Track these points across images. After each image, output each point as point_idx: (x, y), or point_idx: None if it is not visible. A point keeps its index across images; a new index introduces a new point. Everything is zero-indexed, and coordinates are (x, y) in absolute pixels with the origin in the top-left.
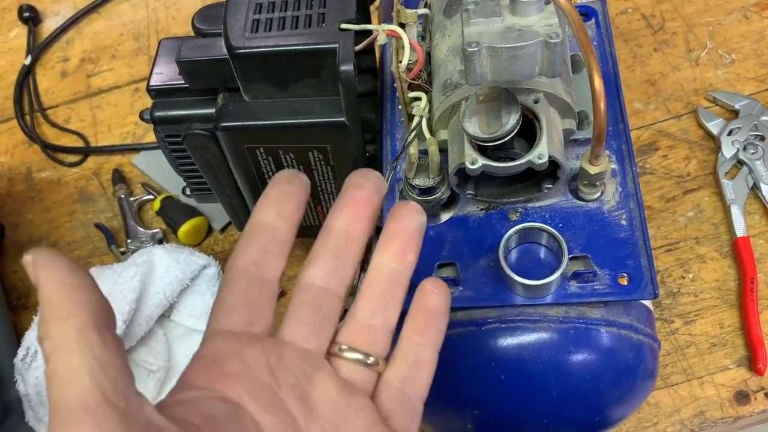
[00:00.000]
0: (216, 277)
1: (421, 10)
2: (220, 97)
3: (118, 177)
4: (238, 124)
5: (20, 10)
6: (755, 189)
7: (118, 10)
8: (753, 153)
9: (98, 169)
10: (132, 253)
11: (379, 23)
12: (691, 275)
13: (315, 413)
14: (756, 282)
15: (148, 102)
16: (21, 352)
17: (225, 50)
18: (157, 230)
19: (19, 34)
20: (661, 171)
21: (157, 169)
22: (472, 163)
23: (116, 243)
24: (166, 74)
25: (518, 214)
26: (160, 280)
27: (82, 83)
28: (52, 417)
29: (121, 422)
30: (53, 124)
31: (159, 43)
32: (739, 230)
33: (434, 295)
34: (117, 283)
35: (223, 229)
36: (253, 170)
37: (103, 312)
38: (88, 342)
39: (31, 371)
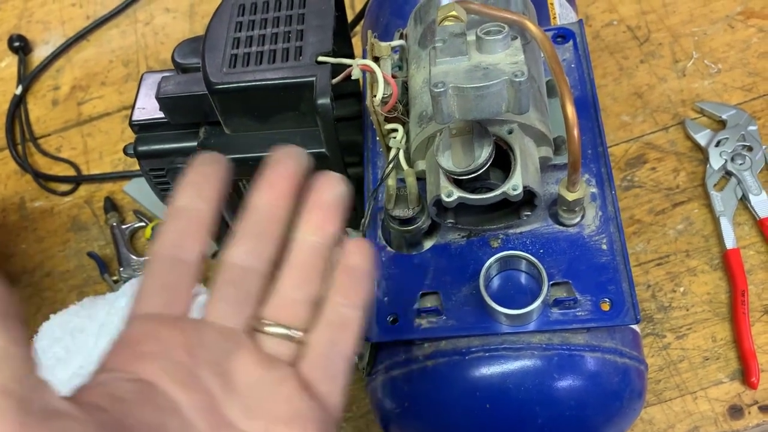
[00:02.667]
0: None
1: (396, 42)
2: (201, 131)
3: (110, 205)
4: None
5: (10, 40)
6: (744, 200)
7: (107, 37)
8: (741, 164)
9: (90, 197)
10: (125, 281)
11: (363, 46)
12: (682, 289)
13: (234, 388)
14: (747, 294)
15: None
16: None
17: (204, 86)
18: (139, 258)
19: (9, 63)
20: (649, 184)
21: (148, 196)
22: (448, 196)
23: (109, 271)
24: (148, 108)
25: (499, 241)
26: None
27: (73, 111)
28: None
29: (19, 410)
30: (45, 153)
31: (141, 76)
32: (729, 242)
33: (355, 254)
34: (110, 314)
35: (213, 255)
36: (237, 201)
37: (6, 300)
38: None
39: None
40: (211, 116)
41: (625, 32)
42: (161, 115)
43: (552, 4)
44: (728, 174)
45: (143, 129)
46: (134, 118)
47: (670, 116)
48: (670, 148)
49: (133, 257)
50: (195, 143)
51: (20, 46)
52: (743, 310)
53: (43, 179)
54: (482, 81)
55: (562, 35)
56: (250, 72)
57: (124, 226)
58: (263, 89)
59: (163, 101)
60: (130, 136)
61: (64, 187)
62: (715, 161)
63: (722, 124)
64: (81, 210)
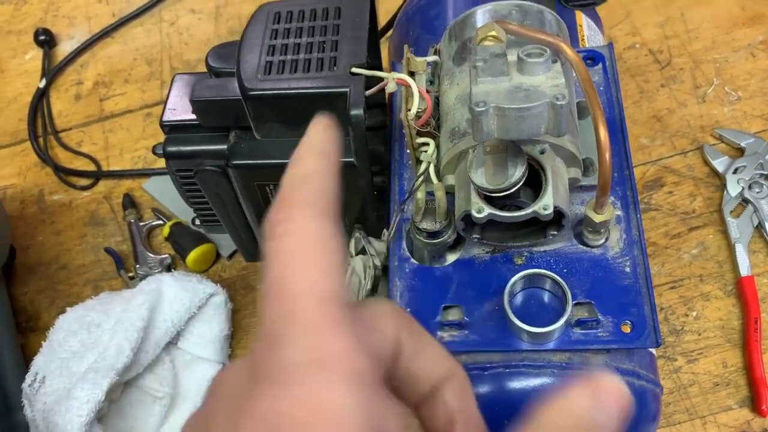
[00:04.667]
0: (223, 305)
1: (431, 58)
2: (231, 135)
3: (129, 202)
4: (250, 162)
5: (36, 34)
6: (760, 228)
7: (132, 35)
8: (758, 192)
9: (109, 192)
10: (141, 278)
11: (389, 59)
12: (694, 313)
13: None
14: (760, 322)
15: (156, 126)
16: (29, 378)
17: (238, 91)
18: (166, 256)
19: (34, 56)
20: (666, 207)
21: (167, 195)
22: (478, 212)
23: (125, 268)
24: (179, 110)
25: (523, 258)
26: (168, 307)
27: (95, 107)
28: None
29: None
30: (66, 147)
31: (173, 78)
32: (744, 269)
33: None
34: (126, 310)
35: (230, 256)
36: (263, 205)
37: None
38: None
39: (39, 396)
40: (242, 120)
41: (647, 56)
42: (192, 116)
43: (581, 26)
44: (745, 201)
45: (173, 130)
46: (165, 118)
47: (689, 141)
48: (688, 172)
49: (150, 255)
50: (224, 146)
51: (45, 39)
52: (756, 337)
53: (63, 173)
54: (524, 102)
55: (592, 57)
56: (285, 80)
57: (141, 224)
58: (297, 97)
59: (197, 104)
60: (151, 134)
61: (84, 181)
62: (733, 188)
63: (740, 151)
64: (99, 205)
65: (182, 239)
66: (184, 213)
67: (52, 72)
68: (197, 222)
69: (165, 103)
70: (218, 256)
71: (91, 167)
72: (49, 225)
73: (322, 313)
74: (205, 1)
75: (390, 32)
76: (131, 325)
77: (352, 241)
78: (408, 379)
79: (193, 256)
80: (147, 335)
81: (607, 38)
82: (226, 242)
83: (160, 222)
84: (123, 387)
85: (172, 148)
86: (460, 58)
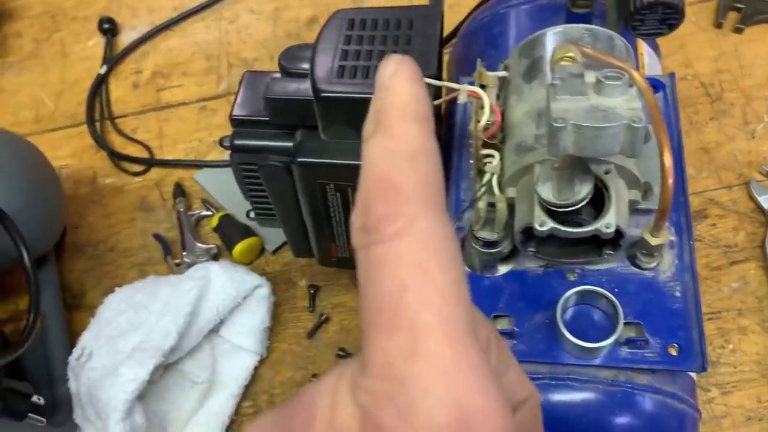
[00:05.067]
0: (267, 298)
1: (500, 73)
2: (298, 134)
3: (179, 191)
4: (315, 160)
5: (100, 22)
6: None
7: (193, 29)
8: None
9: (160, 180)
10: (187, 266)
11: (449, 71)
12: (731, 346)
13: None
14: None
15: (215, 120)
16: (76, 352)
17: (310, 91)
18: (213, 246)
19: (96, 43)
20: (708, 239)
21: (217, 187)
22: (541, 225)
23: (172, 254)
24: (248, 106)
25: (575, 275)
26: (215, 296)
27: (152, 96)
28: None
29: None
30: (121, 133)
31: (244, 74)
32: None
33: None
34: (174, 295)
35: (275, 251)
36: (320, 203)
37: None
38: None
39: (85, 371)
40: (309, 120)
41: (698, 88)
42: (259, 113)
43: (642, 54)
44: None
45: (241, 124)
46: (235, 113)
47: (735, 176)
48: (732, 206)
49: (198, 244)
50: (290, 144)
51: (109, 28)
52: None
53: (117, 158)
54: (602, 122)
55: (654, 85)
56: (358, 84)
57: (190, 213)
58: (367, 102)
59: (270, 101)
60: (205, 127)
61: (137, 167)
62: None
63: None
64: (150, 192)
65: (230, 231)
66: (233, 205)
67: (113, 60)
68: (252, 215)
69: (235, 98)
70: (263, 250)
71: (145, 154)
72: (100, 207)
73: (457, 354)
74: (265, 2)
75: (450, 45)
76: (179, 310)
77: None
78: None
79: (239, 248)
80: (192, 321)
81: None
82: (271, 237)
83: (209, 213)
84: (163, 370)
85: (239, 142)
86: (529, 76)
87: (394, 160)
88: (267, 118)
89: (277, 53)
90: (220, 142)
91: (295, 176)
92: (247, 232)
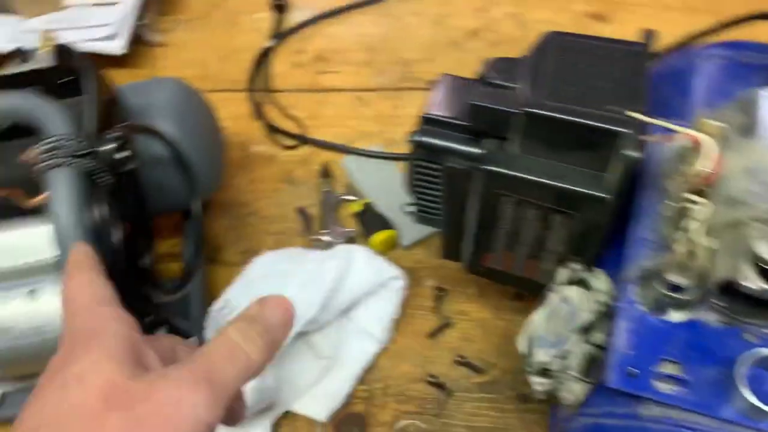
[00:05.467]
0: (401, 290)
1: (721, 125)
2: (487, 142)
3: (326, 171)
4: (503, 171)
5: None
6: None
7: (358, 21)
8: None
9: (308, 158)
10: (325, 245)
11: None
12: None
13: None
14: None
15: (367, 111)
16: (219, 303)
17: (516, 104)
18: (351, 230)
19: (264, 18)
20: None
21: (363, 175)
22: (749, 282)
23: (311, 230)
24: (441, 106)
25: (755, 337)
26: (356, 277)
27: (311, 77)
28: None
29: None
30: (277, 107)
31: (441, 76)
32: None
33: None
34: (319, 269)
35: (408, 247)
36: (491, 212)
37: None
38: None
39: (226, 323)
40: (502, 131)
41: None
42: (449, 115)
43: None
44: None
45: (431, 123)
46: (429, 111)
47: None
48: None
49: (337, 226)
50: (476, 150)
51: (280, 5)
52: None
53: (271, 129)
54: None
55: None
56: (567, 108)
57: (334, 194)
58: (574, 126)
59: (475, 108)
60: (357, 116)
61: (288, 141)
62: None
63: None
64: (297, 167)
65: (370, 219)
66: (375, 195)
67: (279, 35)
68: (408, 209)
69: (431, 97)
70: (396, 244)
71: (297, 130)
72: (247, 172)
73: (95, 302)
74: (431, 7)
75: None
76: (323, 284)
77: (565, 271)
78: None
79: (377, 237)
80: (332, 296)
81: None
82: (407, 233)
83: (352, 198)
84: (293, 337)
85: (426, 139)
86: (745, 131)
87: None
88: (458, 121)
89: (436, 57)
90: (410, 137)
91: (474, 182)
92: (386, 224)
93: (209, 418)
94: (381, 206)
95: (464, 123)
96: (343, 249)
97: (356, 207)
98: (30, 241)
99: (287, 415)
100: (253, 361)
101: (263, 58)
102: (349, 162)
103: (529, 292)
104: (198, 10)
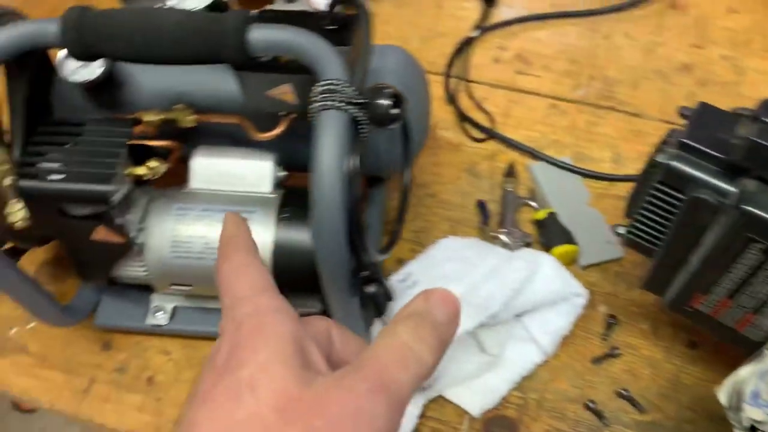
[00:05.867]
0: (580, 307)
1: None
2: (748, 182)
3: (512, 171)
4: (763, 215)
5: None
6: None
7: (565, 30)
8: None
9: (494, 154)
10: (502, 243)
11: None
12: None
13: None
14: None
15: (561, 121)
16: (401, 275)
17: None
18: (530, 235)
19: (471, 7)
20: None
21: (549, 183)
22: None
23: (489, 225)
24: (698, 136)
25: None
26: (539, 284)
27: (509, 76)
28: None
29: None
30: (471, 97)
31: (700, 104)
32: None
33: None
34: (503, 266)
35: (585, 267)
36: (728, 256)
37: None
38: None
39: (406, 295)
40: (764, 173)
41: None
42: (705, 146)
43: None
44: None
45: (687, 149)
46: (686, 140)
47: None
48: None
49: (516, 228)
50: (729, 187)
51: None
52: None
53: (462, 118)
54: None
55: None
56: None
57: (516, 196)
58: None
59: (752, 144)
60: (550, 123)
61: (476, 134)
62: None
63: None
64: (482, 160)
65: (551, 230)
66: (559, 205)
67: (484, 28)
68: (620, 231)
69: (688, 124)
70: (573, 261)
71: (488, 125)
72: (432, 155)
73: (255, 290)
74: (643, 32)
75: None
76: (507, 282)
77: None
78: (341, 362)
79: (558, 250)
80: (514, 297)
81: None
82: (588, 251)
83: (532, 203)
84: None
85: (678, 165)
86: None
87: (224, 240)
88: (716, 153)
89: (640, 83)
90: (654, 159)
91: (720, 219)
92: (568, 237)
93: (388, 430)
94: (563, 219)
95: (723, 157)
96: (530, 253)
97: (540, 214)
98: (251, 172)
99: (437, 399)
100: (426, 363)
101: (464, 46)
102: (536, 168)
103: (729, 343)
104: None
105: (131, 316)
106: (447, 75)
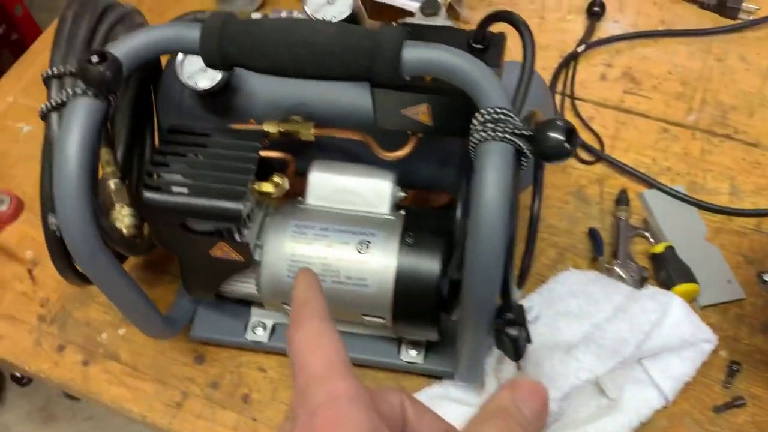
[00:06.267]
0: (706, 354)
1: None
2: None
3: (625, 198)
4: None
5: (593, 3)
6: None
7: (674, 49)
8: None
9: (603, 178)
10: (618, 277)
11: None
12: None
13: None
14: None
15: (674, 147)
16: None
17: None
18: (645, 269)
19: (575, 20)
20: None
21: (664, 214)
22: None
23: (603, 256)
24: None
25: None
26: (670, 328)
27: (616, 95)
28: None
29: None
30: (578, 115)
31: None
32: None
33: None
34: (633, 307)
35: (704, 308)
36: None
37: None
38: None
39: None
40: None
41: None
42: None
43: None
44: None
45: None
46: None
47: None
48: None
49: (631, 261)
50: None
51: (596, 11)
52: None
53: None
54: None
55: None
56: None
57: (630, 225)
58: None
59: None
60: (662, 149)
61: (584, 155)
62: None
63: None
64: (590, 184)
65: (671, 266)
66: (676, 238)
67: (591, 43)
68: (766, 279)
69: None
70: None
71: (597, 146)
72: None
73: (331, 370)
74: (762, 56)
75: None
76: (638, 325)
77: None
78: None
79: (680, 289)
80: (645, 340)
81: None
82: (708, 292)
83: (645, 233)
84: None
85: None
86: None
87: (297, 304)
88: None
89: (757, 110)
90: None
91: None
92: (689, 275)
93: None
94: (680, 253)
95: None
96: (658, 292)
97: (658, 248)
98: (370, 191)
99: None
100: None
101: (571, 61)
102: (648, 195)
103: None
104: None
105: (229, 329)
106: (552, 90)
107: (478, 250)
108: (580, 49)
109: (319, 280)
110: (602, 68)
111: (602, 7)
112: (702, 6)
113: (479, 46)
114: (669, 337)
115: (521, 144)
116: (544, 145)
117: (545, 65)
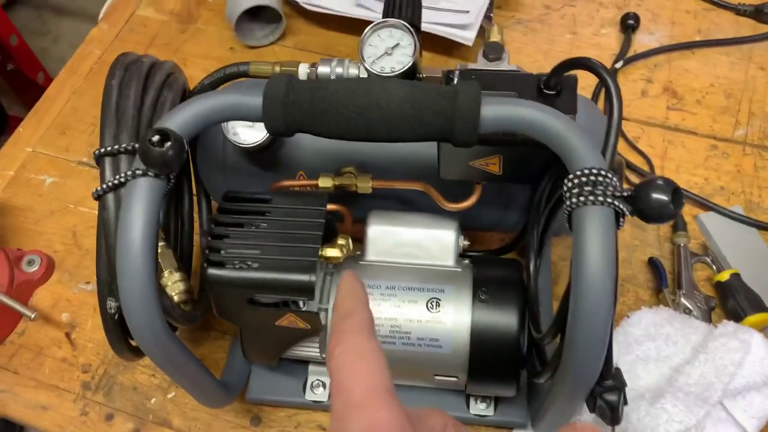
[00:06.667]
0: None
1: None
2: None
3: (682, 223)
4: None
5: (626, 16)
6: None
7: (714, 60)
8: None
9: None
10: (685, 309)
11: None
12: None
13: None
14: None
15: (725, 165)
16: None
17: None
18: (712, 298)
19: (609, 34)
20: None
21: (724, 238)
22: None
23: (667, 287)
24: None
25: None
26: (750, 366)
27: (660, 111)
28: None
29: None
30: (625, 138)
31: None
32: None
33: None
34: (716, 348)
35: None
36: None
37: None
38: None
39: None
40: None
41: None
42: None
43: None
44: None
45: None
46: None
47: None
48: None
49: (696, 291)
50: None
51: (631, 25)
52: None
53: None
54: None
55: None
56: None
57: (691, 252)
58: None
59: None
60: (713, 167)
61: (634, 178)
62: None
63: None
64: None
65: (739, 294)
66: (739, 263)
67: (628, 58)
68: None
69: None
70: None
71: (645, 167)
72: None
73: (372, 396)
74: None
75: None
76: (723, 367)
77: None
78: None
79: (752, 319)
80: (730, 382)
81: None
82: None
83: (706, 259)
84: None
85: None
86: None
87: (339, 317)
88: None
89: None
90: None
91: None
92: (759, 303)
93: None
94: (746, 279)
95: None
96: (739, 329)
97: (723, 276)
98: (434, 243)
99: None
100: None
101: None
102: (705, 219)
103: None
104: (537, 12)
105: (287, 390)
106: None
107: (583, 320)
108: (618, 65)
109: (365, 288)
110: (642, 84)
111: (636, 19)
112: (738, 13)
113: (551, 92)
114: (751, 375)
115: (622, 207)
116: (645, 206)
117: (583, 84)
